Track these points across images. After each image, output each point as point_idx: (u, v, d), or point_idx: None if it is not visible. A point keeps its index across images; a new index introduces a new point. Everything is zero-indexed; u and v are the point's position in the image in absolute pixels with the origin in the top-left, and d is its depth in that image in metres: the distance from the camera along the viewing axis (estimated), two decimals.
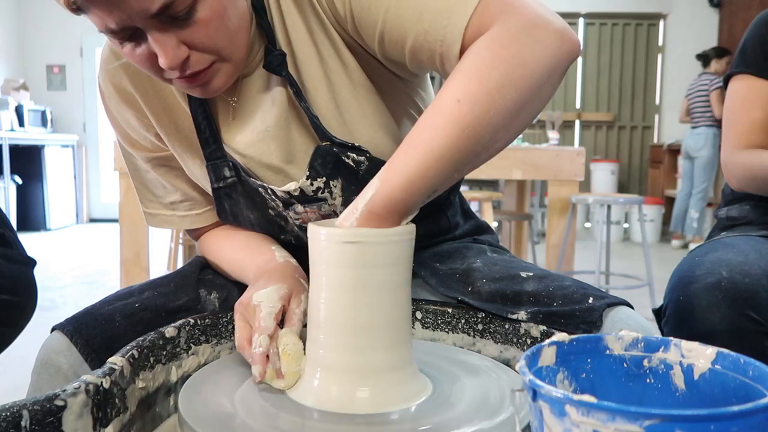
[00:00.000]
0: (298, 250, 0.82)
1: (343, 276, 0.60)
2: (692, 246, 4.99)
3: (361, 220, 0.61)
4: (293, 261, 0.81)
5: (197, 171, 0.86)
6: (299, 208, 0.83)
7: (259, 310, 0.67)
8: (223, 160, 0.82)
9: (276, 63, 0.76)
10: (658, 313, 1.03)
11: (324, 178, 0.79)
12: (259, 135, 0.80)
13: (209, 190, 0.87)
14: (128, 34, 0.65)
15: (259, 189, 0.82)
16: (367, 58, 0.77)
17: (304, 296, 0.71)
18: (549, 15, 0.64)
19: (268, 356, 0.65)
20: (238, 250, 0.86)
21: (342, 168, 0.78)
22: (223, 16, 0.67)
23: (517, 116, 0.63)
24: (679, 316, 0.93)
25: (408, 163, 0.61)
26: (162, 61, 0.66)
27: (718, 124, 4.96)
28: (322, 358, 0.62)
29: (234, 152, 0.82)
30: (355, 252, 0.59)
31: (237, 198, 0.84)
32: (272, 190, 0.81)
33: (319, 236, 0.61)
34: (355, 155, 0.78)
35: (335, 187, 0.80)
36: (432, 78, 0.98)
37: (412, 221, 0.65)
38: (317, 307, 0.62)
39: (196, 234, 0.96)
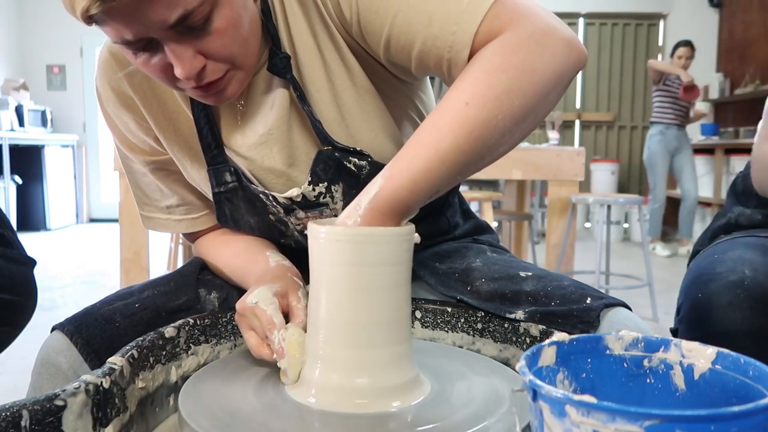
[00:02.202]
0: (298, 253, 0.82)
1: (343, 274, 0.60)
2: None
3: (364, 217, 0.61)
4: (286, 262, 0.81)
5: (196, 175, 0.86)
6: (300, 213, 0.83)
7: (260, 310, 0.67)
8: (224, 165, 0.82)
9: (281, 65, 0.76)
10: (675, 333, 0.98)
11: (326, 183, 0.79)
12: (262, 138, 0.80)
13: (208, 195, 0.87)
14: (143, 45, 0.65)
15: (260, 195, 0.82)
16: (370, 62, 0.77)
17: (301, 292, 0.71)
18: (558, 24, 0.64)
19: None
20: (238, 256, 0.86)
21: (343, 173, 0.78)
22: (238, 25, 0.67)
23: (523, 122, 0.63)
24: (695, 315, 0.90)
25: (413, 162, 0.61)
26: (179, 72, 0.66)
27: (657, 122, 4.81)
28: (323, 356, 0.62)
29: (236, 155, 0.82)
30: (356, 251, 0.59)
31: (238, 203, 0.84)
32: (273, 196, 0.81)
33: (319, 235, 0.61)
34: (356, 160, 0.78)
35: (336, 192, 0.80)
36: (432, 79, 0.98)
37: (412, 221, 0.65)
38: (317, 306, 0.62)
39: (192, 237, 0.95)
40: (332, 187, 0.79)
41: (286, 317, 0.69)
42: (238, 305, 0.70)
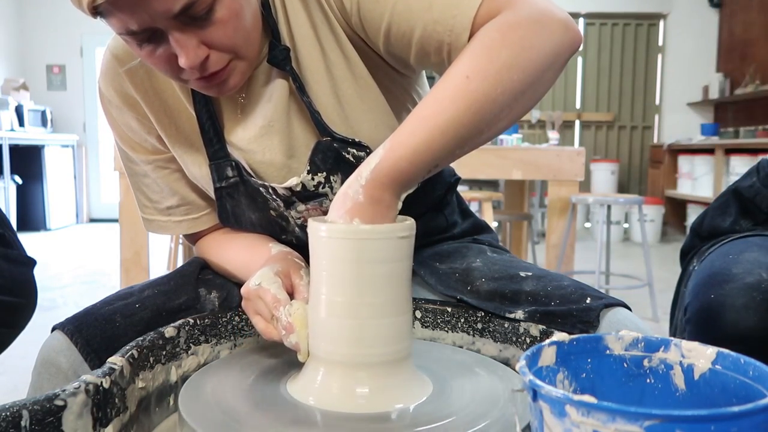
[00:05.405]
0: (300, 250, 0.82)
1: (343, 271, 0.60)
2: None
3: (366, 188, 0.62)
4: (287, 248, 0.82)
5: (197, 172, 0.86)
6: (301, 206, 0.83)
7: (264, 290, 0.68)
8: (225, 160, 0.82)
9: (280, 57, 0.76)
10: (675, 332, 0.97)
11: (324, 173, 0.80)
12: (262, 130, 0.81)
13: (209, 192, 0.87)
14: (148, 35, 0.66)
15: (260, 189, 0.82)
16: (370, 54, 0.78)
17: (303, 271, 0.73)
18: (554, 7, 0.66)
19: None
20: (242, 252, 0.86)
21: (342, 163, 0.79)
22: (240, 15, 0.68)
23: (521, 97, 0.64)
24: (706, 315, 0.88)
25: (414, 133, 0.62)
26: (183, 61, 0.67)
27: None
28: (324, 353, 0.62)
29: (236, 149, 0.83)
30: (356, 248, 0.59)
31: (239, 198, 0.85)
32: (273, 188, 0.82)
33: (319, 232, 0.61)
34: (355, 151, 0.78)
35: (336, 182, 0.80)
36: (431, 78, 0.99)
37: (409, 215, 0.66)
38: (318, 302, 0.62)
39: (193, 238, 0.96)
40: (331, 177, 0.80)
41: (292, 297, 0.70)
42: (243, 290, 0.71)
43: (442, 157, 0.64)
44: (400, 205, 0.65)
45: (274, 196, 0.83)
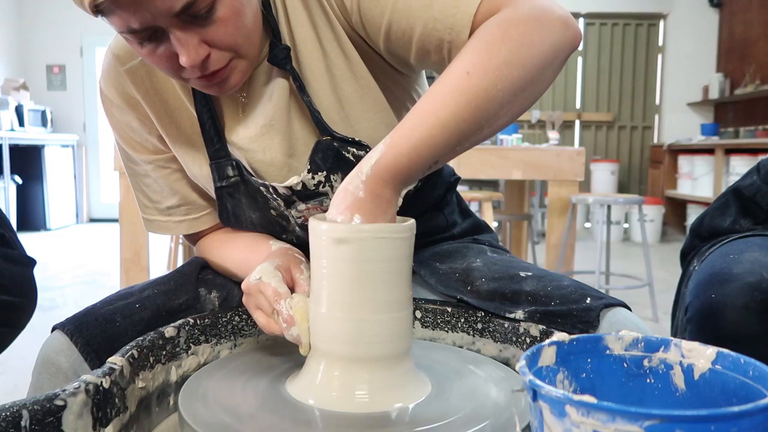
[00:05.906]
0: (300, 249, 0.82)
1: (344, 270, 0.60)
2: None
3: (366, 184, 0.62)
4: (287, 245, 0.82)
5: (197, 171, 0.86)
6: (301, 206, 0.83)
7: (264, 284, 0.68)
8: (226, 159, 0.82)
9: (281, 57, 0.77)
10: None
11: (325, 172, 0.80)
12: (263, 129, 0.81)
13: (210, 191, 0.87)
14: (149, 34, 0.66)
15: (261, 188, 0.82)
16: (370, 53, 0.78)
17: (304, 266, 0.73)
18: (554, 5, 0.66)
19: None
20: (243, 250, 0.87)
21: (342, 162, 0.79)
22: (240, 14, 0.69)
23: (521, 94, 0.65)
24: (707, 315, 0.88)
25: (414, 129, 0.62)
26: (183, 60, 0.67)
27: None
28: (324, 348, 0.62)
29: (237, 148, 0.83)
30: (357, 247, 0.59)
31: (239, 198, 0.85)
32: (274, 188, 0.82)
33: (319, 231, 0.61)
34: (355, 150, 0.79)
35: (336, 181, 0.80)
36: (431, 78, 0.99)
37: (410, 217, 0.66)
38: (319, 299, 0.63)
39: (194, 238, 0.96)
40: (331, 177, 0.80)
41: (293, 291, 0.70)
42: (243, 285, 0.71)
43: (443, 153, 0.64)
44: (400, 201, 0.65)
45: (275, 196, 0.83)
